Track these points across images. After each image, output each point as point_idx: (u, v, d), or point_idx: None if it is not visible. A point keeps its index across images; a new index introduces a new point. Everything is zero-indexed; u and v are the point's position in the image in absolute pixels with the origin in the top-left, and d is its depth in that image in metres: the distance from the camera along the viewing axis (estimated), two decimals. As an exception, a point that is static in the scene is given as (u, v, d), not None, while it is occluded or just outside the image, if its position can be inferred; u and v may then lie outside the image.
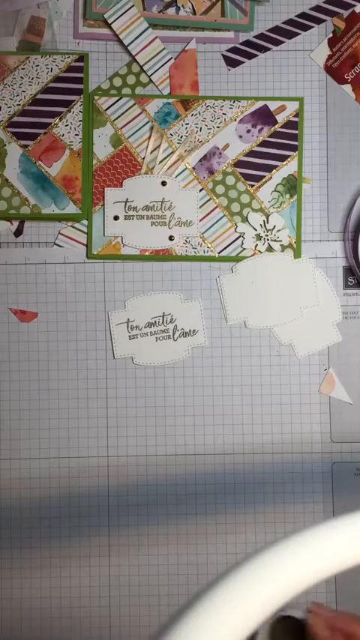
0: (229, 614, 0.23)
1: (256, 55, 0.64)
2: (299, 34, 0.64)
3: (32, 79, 0.63)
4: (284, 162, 0.64)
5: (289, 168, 0.64)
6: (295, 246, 0.64)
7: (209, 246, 0.64)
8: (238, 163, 0.64)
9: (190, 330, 0.64)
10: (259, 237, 0.64)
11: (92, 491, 0.63)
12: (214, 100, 0.64)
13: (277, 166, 0.64)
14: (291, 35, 0.64)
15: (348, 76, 0.64)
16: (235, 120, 0.64)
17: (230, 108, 0.64)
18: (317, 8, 0.64)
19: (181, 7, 0.63)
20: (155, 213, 0.64)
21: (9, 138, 0.63)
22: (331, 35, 0.64)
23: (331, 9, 0.64)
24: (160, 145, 0.64)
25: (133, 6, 0.63)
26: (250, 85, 0.64)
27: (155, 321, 0.64)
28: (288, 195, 0.64)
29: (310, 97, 0.64)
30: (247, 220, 0.64)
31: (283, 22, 0.64)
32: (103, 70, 0.65)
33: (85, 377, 0.64)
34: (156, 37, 0.64)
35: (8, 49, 0.64)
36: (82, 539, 0.63)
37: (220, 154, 0.64)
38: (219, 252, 0.64)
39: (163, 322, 0.64)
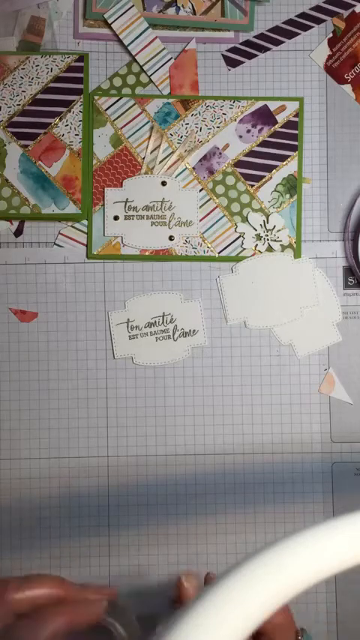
0: (229, 614, 0.23)
1: (256, 55, 0.64)
2: (299, 34, 0.64)
3: (32, 79, 0.63)
4: (284, 163, 0.64)
5: (289, 168, 0.64)
6: (295, 246, 0.64)
7: (209, 246, 0.64)
8: (238, 163, 0.64)
9: (190, 330, 0.64)
10: (259, 237, 0.64)
11: (92, 491, 0.63)
12: (214, 100, 0.64)
13: (277, 166, 0.64)
14: (291, 35, 0.64)
15: (348, 76, 0.64)
16: (235, 120, 0.64)
17: (230, 108, 0.64)
18: (317, 8, 0.64)
19: (181, 7, 0.63)
20: (155, 213, 0.64)
21: (9, 138, 0.63)
22: (331, 35, 0.64)
23: (331, 9, 0.64)
24: (160, 145, 0.64)
25: (133, 6, 0.63)
26: (250, 85, 0.64)
27: (155, 321, 0.64)
28: (288, 195, 0.64)
29: (310, 97, 0.64)
30: (247, 220, 0.64)
31: (283, 22, 0.64)
32: (103, 70, 0.65)
33: (85, 377, 0.64)
34: (156, 37, 0.64)
35: (8, 49, 0.64)
36: (82, 539, 0.63)
37: (220, 154, 0.64)
38: (219, 252, 0.64)
39: (163, 322, 0.64)
